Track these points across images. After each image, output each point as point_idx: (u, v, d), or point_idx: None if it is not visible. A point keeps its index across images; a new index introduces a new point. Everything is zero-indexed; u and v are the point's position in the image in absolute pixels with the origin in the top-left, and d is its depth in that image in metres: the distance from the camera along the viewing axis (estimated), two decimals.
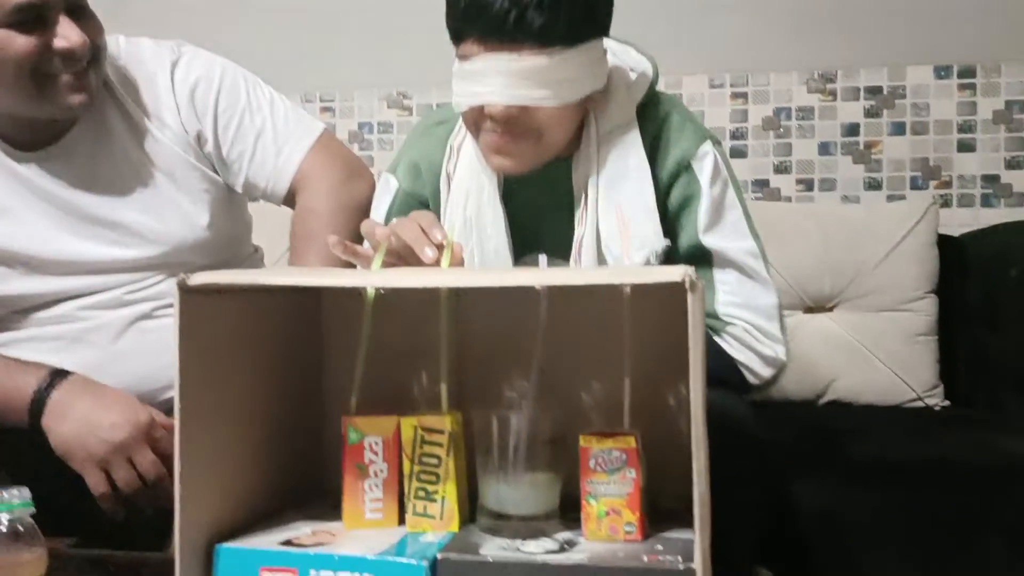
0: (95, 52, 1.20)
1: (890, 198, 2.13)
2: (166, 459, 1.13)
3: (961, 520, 1.31)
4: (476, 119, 1.12)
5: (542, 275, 0.81)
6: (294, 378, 0.98)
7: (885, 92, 2.14)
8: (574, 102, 1.11)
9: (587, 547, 0.82)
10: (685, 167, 1.16)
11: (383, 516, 0.89)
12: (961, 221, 2.07)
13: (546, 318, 0.90)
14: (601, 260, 1.13)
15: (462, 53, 1.10)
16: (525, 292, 0.90)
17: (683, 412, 0.96)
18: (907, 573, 1.30)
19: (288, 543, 0.84)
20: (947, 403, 1.80)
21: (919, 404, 1.79)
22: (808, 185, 2.16)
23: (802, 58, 2.16)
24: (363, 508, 0.90)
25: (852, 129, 2.16)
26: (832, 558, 1.30)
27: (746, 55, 2.17)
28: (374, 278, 0.92)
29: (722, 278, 1.16)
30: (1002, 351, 1.75)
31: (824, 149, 2.16)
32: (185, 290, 0.80)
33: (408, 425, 0.88)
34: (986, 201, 2.12)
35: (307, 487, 0.98)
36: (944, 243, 1.89)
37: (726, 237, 1.16)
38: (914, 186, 2.14)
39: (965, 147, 2.12)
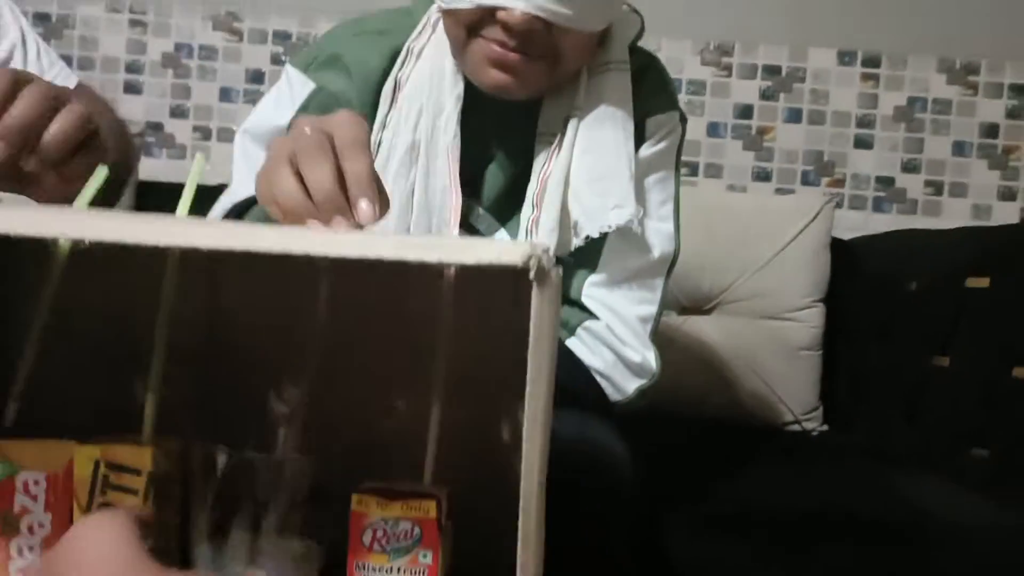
0: None
1: (778, 192, 1.92)
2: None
3: None
4: (476, 23, 0.87)
5: (323, 241, 0.48)
6: None
7: (784, 73, 1.92)
8: (597, 31, 0.91)
9: None
10: (638, 123, 0.95)
11: None
12: (850, 224, 1.87)
13: (327, 306, 0.59)
14: (564, 213, 0.90)
15: None
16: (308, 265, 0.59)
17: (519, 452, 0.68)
18: None
19: None
20: (824, 427, 1.60)
21: (796, 428, 1.57)
22: (693, 169, 1.92)
23: (696, 27, 1.91)
24: None
25: (745, 111, 1.93)
26: None
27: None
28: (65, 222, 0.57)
29: (613, 256, 0.92)
30: (890, 372, 1.55)
31: (713, 130, 1.92)
32: None
33: (85, 457, 0.56)
34: (878, 205, 1.93)
35: None
36: (834, 247, 1.68)
37: (660, 215, 0.96)
38: (805, 181, 1.93)
39: (862, 143, 1.93)
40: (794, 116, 1.92)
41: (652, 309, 0.92)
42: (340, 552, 0.56)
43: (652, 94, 0.97)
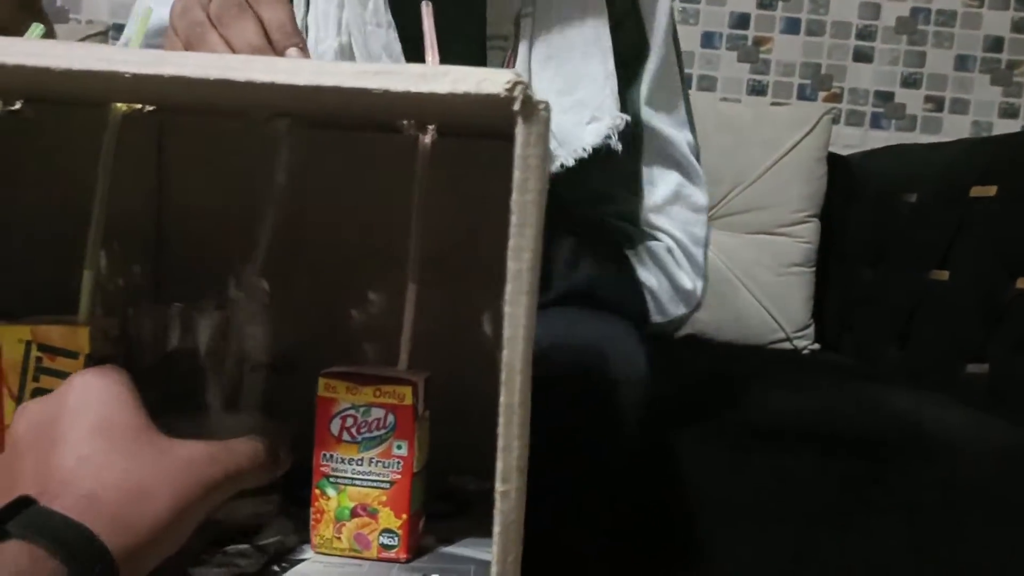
0: None
1: (774, 105, 1.85)
2: None
3: (843, 494, 1.04)
4: None
5: (277, 68, 0.40)
6: None
7: None
8: None
9: (309, 571, 0.47)
10: (632, 7, 0.80)
11: None
12: (846, 141, 1.81)
13: (288, 159, 0.53)
14: None
15: None
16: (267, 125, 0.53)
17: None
18: (773, 551, 1.03)
19: None
20: (816, 346, 1.55)
21: (787, 345, 1.53)
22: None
23: None
24: None
25: (741, 20, 1.84)
26: (686, 532, 1.02)
27: None
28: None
29: (657, 173, 0.80)
30: (881, 291, 1.50)
31: (708, 40, 1.84)
32: None
33: (15, 338, 0.50)
34: (876, 121, 1.87)
35: None
36: (831, 162, 1.62)
37: (671, 120, 0.81)
38: (801, 95, 1.86)
39: (862, 56, 1.85)
40: (792, 26, 1.84)
41: (705, 215, 0.83)
42: (308, 446, 0.51)
43: None
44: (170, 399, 0.47)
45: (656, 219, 0.80)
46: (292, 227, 0.57)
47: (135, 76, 0.35)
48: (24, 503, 0.36)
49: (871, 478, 1.04)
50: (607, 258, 0.78)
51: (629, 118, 0.76)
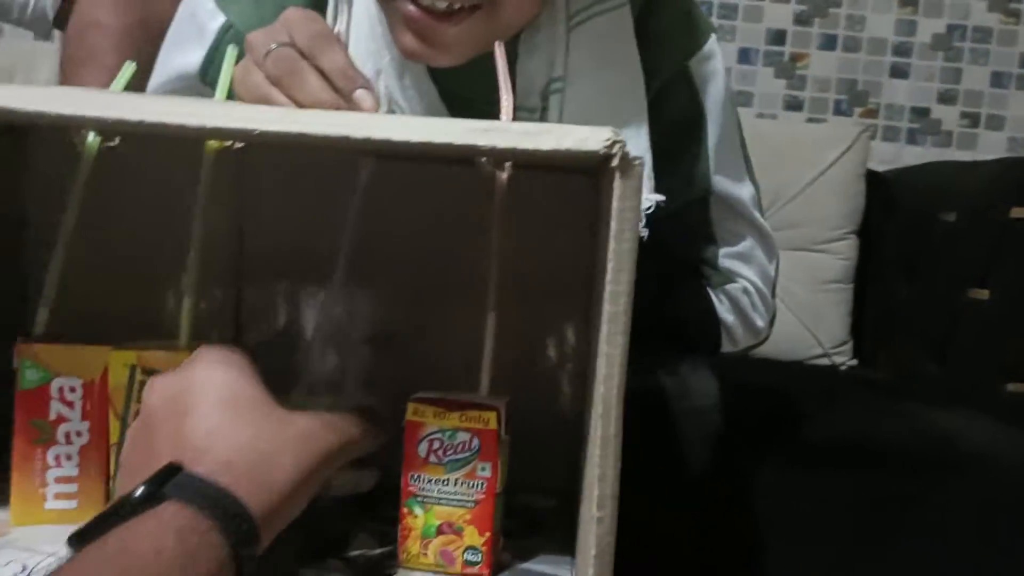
0: None
1: (810, 121, 1.87)
2: None
3: (880, 512, 1.06)
4: None
5: (382, 125, 0.41)
6: None
7: None
8: None
9: None
10: (684, 71, 0.77)
11: (77, 505, 0.55)
12: (881, 157, 1.82)
13: (365, 209, 0.56)
14: None
15: None
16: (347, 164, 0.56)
17: (579, 365, 0.66)
18: (812, 570, 1.05)
19: None
20: (854, 361, 1.57)
21: (824, 361, 1.55)
22: None
23: None
24: (43, 491, 0.55)
25: (778, 37, 1.86)
26: (724, 551, 1.03)
27: None
28: (143, 105, 0.49)
29: (728, 227, 0.82)
30: (919, 309, 1.52)
31: (744, 56, 1.86)
32: None
33: (121, 363, 0.53)
34: (911, 137, 1.88)
35: None
36: (868, 179, 1.63)
37: (735, 179, 0.81)
38: (837, 111, 1.87)
39: (898, 72, 1.87)
40: (829, 43, 1.86)
41: (775, 258, 0.86)
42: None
43: (677, 29, 0.77)
44: (277, 376, 0.49)
45: (732, 264, 0.83)
46: (367, 254, 0.60)
47: (263, 133, 0.39)
48: (174, 469, 0.39)
49: (909, 496, 1.05)
50: (691, 294, 0.81)
51: (663, 198, 0.71)
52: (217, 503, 0.38)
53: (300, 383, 0.54)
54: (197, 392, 0.44)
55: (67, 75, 0.98)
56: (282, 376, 0.51)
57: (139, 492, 0.38)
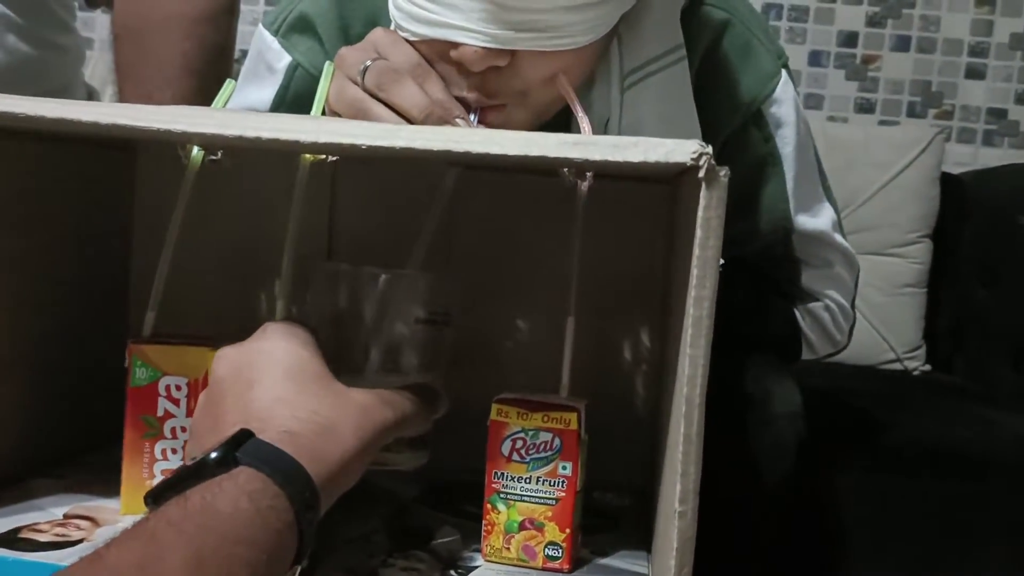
0: None
1: (882, 124, 1.84)
2: None
3: (960, 516, 1.05)
4: (434, 56, 0.61)
5: (478, 139, 0.42)
6: (82, 276, 0.65)
7: None
8: (598, 39, 0.63)
9: None
10: (754, 115, 0.74)
11: None
12: (957, 159, 1.79)
13: (446, 207, 0.58)
14: None
15: None
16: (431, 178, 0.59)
17: (653, 368, 0.68)
18: (888, 572, 1.05)
19: (11, 536, 0.52)
20: (927, 367, 1.55)
21: (897, 366, 1.53)
22: None
23: None
24: (151, 483, 0.58)
25: (850, 39, 1.85)
26: (803, 554, 1.04)
27: None
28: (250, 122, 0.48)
29: (811, 251, 0.81)
30: (996, 312, 1.49)
31: (815, 59, 1.85)
32: None
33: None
34: (988, 139, 1.84)
35: (84, 439, 0.66)
36: (943, 182, 1.61)
37: (816, 213, 0.80)
38: (911, 113, 1.85)
39: (974, 73, 1.83)
40: (902, 44, 1.84)
41: (855, 278, 0.86)
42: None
43: (745, 68, 0.73)
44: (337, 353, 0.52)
45: (815, 284, 0.84)
46: (454, 259, 0.62)
47: (368, 148, 0.41)
48: (245, 434, 0.42)
49: (984, 500, 1.04)
50: (776, 311, 0.83)
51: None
52: (285, 470, 0.40)
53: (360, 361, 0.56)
54: (262, 364, 0.46)
55: (124, 76, 0.96)
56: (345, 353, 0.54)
57: (214, 455, 0.40)
